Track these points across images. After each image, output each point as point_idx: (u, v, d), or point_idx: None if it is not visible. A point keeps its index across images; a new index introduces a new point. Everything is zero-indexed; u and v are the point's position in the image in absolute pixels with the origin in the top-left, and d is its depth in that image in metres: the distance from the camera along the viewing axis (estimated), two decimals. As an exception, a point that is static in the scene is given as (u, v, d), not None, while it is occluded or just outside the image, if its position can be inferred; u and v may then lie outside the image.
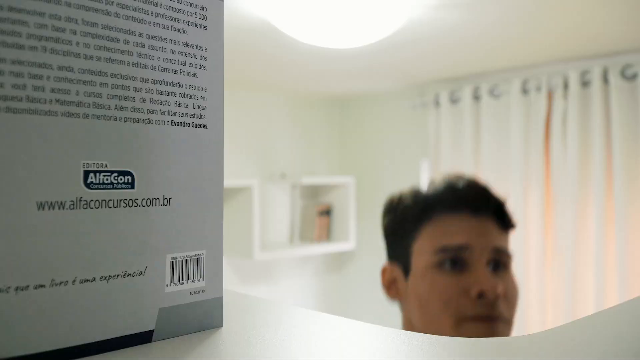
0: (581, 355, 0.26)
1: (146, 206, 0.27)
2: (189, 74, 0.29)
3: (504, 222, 0.78)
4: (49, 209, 0.23)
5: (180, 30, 0.28)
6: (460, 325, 0.71)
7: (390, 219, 0.83)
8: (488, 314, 0.70)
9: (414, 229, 0.79)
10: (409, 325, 0.79)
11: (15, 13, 0.22)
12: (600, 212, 2.21)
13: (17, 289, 0.22)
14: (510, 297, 0.73)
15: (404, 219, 0.80)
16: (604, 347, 0.27)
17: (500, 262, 0.75)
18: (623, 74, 2.19)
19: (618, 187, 2.17)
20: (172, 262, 0.28)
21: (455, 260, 0.73)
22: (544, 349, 0.26)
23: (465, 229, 0.75)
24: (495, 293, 0.70)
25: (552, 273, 2.40)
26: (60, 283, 0.24)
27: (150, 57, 0.27)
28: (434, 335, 0.30)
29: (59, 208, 0.24)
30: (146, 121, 0.27)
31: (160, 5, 0.27)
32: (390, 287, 0.83)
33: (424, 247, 0.76)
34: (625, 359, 0.25)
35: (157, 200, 0.27)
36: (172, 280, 0.28)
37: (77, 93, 0.24)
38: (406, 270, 0.79)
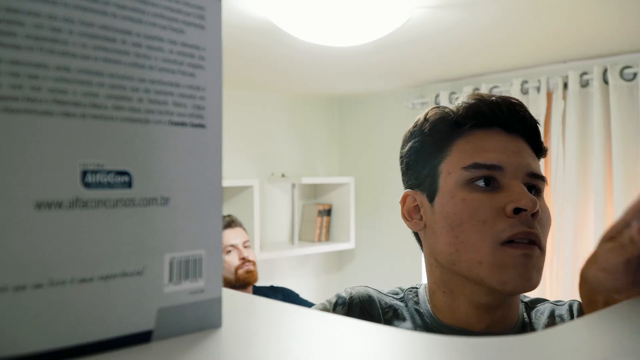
0: (582, 355, 0.26)
1: (144, 206, 0.27)
2: (187, 74, 0.29)
3: (537, 145, 0.72)
4: (47, 208, 0.23)
5: (178, 30, 0.28)
6: (497, 250, 0.65)
7: (414, 142, 0.77)
8: (526, 233, 0.65)
9: (443, 147, 0.72)
10: (432, 260, 0.73)
11: (12, 14, 0.22)
12: (600, 212, 2.21)
13: (15, 288, 0.22)
14: (544, 221, 0.67)
15: (432, 138, 0.74)
16: (604, 347, 0.27)
17: (534, 186, 0.69)
18: (622, 74, 2.19)
19: (618, 187, 2.17)
20: (171, 262, 0.28)
21: (488, 179, 0.67)
22: (543, 349, 0.26)
23: (499, 147, 0.68)
24: (534, 208, 0.64)
25: (551, 272, 2.40)
26: (58, 283, 0.24)
27: (148, 57, 0.27)
28: (434, 335, 0.30)
29: (57, 208, 0.24)
30: (143, 121, 0.27)
31: (158, 6, 0.27)
32: (412, 215, 0.76)
33: (455, 164, 0.70)
34: (625, 358, 0.25)
35: (155, 200, 0.27)
36: (170, 280, 0.28)
37: (75, 93, 0.24)
38: (432, 195, 0.72)
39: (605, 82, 2.24)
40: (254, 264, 2.30)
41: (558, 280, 2.37)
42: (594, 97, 2.25)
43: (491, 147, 0.69)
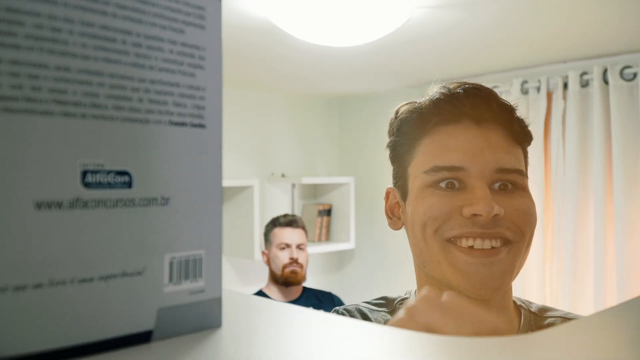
0: (581, 355, 0.26)
1: (144, 206, 0.27)
2: (187, 74, 0.29)
3: (514, 132, 0.68)
4: (47, 208, 0.23)
5: (178, 30, 0.28)
6: (446, 247, 0.64)
7: (390, 140, 0.75)
8: (479, 233, 0.63)
9: (410, 148, 0.70)
10: (415, 262, 0.72)
11: (11, 14, 0.22)
12: (600, 212, 2.21)
13: (15, 288, 0.22)
14: (517, 219, 0.65)
15: (402, 138, 0.72)
16: (604, 347, 0.27)
17: (508, 181, 0.66)
18: (622, 74, 2.19)
19: (618, 186, 2.17)
20: (171, 262, 0.28)
21: (451, 181, 0.65)
22: (543, 349, 0.26)
23: (463, 145, 0.66)
24: (489, 215, 0.62)
25: (551, 272, 2.40)
26: (59, 283, 0.24)
27: (148, 57, 0.27)
28: (433, 335, 0.30)
29: (57, 208, 0.24)
30: (144, 121, 0.27)
31: (158, 6, 0.27)
32: (394, 212, 0.75)
33: (419, 168, 0.68)
34: (625, 359, 0.25)
35: (155, 200, 0.27)
36: (170, 280, 0.28)
37: (75, 93, 0.24)
38: (404, 195, 0.71)
39: (605, 82, 2.24)
40: (301, 266, 2.48)
41: (558, 280, 2.37)
42: (594, 97, 2.25)
43: (455, 146, 0.66)
